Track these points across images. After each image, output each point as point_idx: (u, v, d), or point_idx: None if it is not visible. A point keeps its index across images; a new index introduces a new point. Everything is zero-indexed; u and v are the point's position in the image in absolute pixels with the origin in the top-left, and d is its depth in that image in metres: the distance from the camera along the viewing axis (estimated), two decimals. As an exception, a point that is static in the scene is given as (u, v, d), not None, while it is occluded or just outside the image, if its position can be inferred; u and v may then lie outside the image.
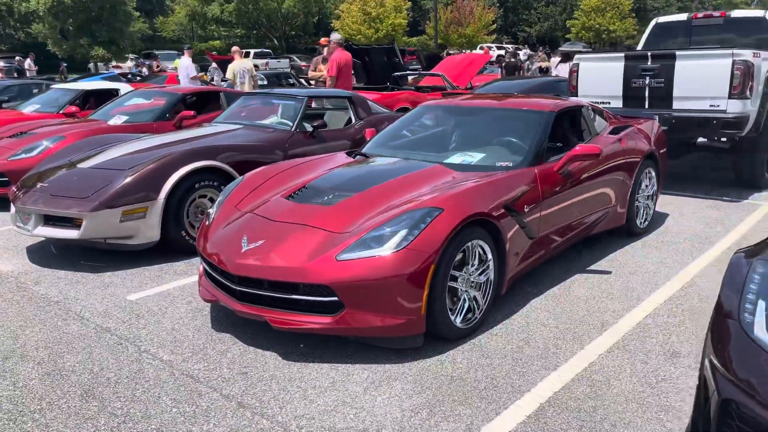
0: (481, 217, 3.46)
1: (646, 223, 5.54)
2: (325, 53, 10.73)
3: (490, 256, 3.59)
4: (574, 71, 7.36)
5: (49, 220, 4.85)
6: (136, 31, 38.79)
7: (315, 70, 10.97)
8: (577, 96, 7.28)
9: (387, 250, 3.16)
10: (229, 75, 11.59)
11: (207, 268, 3.74)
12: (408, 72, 13.60)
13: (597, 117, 5.27)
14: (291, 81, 17.86)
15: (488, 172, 4.01)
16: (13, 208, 5.11)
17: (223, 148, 5.45)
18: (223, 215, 3.89)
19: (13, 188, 5.38)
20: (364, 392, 2.98)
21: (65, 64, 32.47)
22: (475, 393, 2.96)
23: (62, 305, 4.11)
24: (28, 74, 23.24)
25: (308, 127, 6.29)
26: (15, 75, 22.11)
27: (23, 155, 6.88)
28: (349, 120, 6.88)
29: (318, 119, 6.26)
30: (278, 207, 3.74)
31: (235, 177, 5.33)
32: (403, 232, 3.21)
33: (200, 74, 12.86)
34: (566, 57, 18.88)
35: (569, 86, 7.51)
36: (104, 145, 5.91)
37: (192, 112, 7.65)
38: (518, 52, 27.33)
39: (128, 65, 24.58)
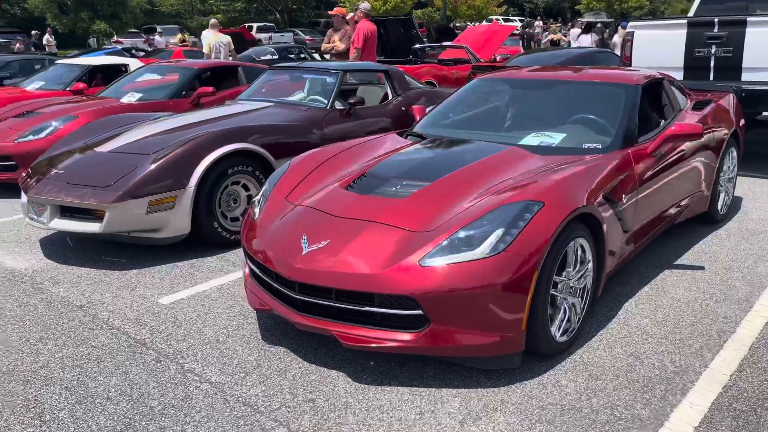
0: (584, 211, 2.93)
1: (726, 208, 5.00)
2: (336, 24, 10.06)
3: (589, 255, 3.06)
4: (628, 40, 6.75)
5: (66, 211, 4.32)
6: (135, 5, 37.76)
7: (329, 42, 10.31)
8: (631, 67, 6.67)
9: (481, 253, 2.63)
10: (205, 49, 11.53)
11: (256, 270, 3.22)
12: (428, 44, 12.91)
13: (676, 91, 4.70)
14: (302, 55, 17.16)
15: (576, 156, 3.47)
16: (24, 197, 4.58)
17: (255, 128, 4.89)
18: (273, 208, 3.35)
19: (23, 174, 4.85)
20: (461, 426, 2.48)
21: (92, 38, 31.27)
22: (596, 429, 2.45)
23: (87, 311, 3.61)
24: (47, 50, 22.32)
25: (344, 105, 5.72)
26: (32, 50, 21.30)
27: (31, 137, 6.33)
28: (386, 96, 6.29)
29: (354, 95, 5.67)
30: (339, 199, 3.20)
31: (270, 161, 4.79)
32: (498, 232, 2.68)
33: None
34: (588, 27, 18.17)
35: (621, 57, 6.90)
36: (121, 125, 5.35)
37: (211, 89, 7.07)
38: (534, 23, 26.51)
39: (157, 38, 23.32)
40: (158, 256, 4.45)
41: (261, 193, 3.61)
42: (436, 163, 3.48)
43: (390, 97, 6.24)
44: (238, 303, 3.67)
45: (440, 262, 2.64)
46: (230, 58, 11.48)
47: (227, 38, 11.68)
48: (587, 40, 17.43)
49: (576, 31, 18.62)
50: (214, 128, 4.76)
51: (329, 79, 5.81)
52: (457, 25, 29.88)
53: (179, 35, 24.09)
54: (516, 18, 45.11)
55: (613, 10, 42.26)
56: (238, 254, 4.51)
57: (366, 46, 9.07)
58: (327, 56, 11.27)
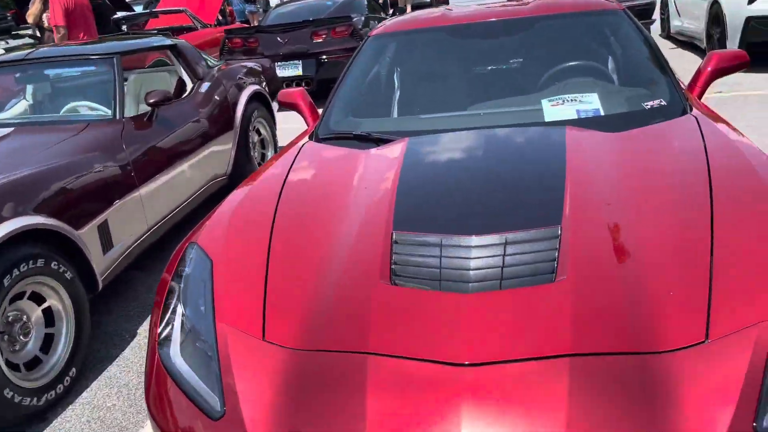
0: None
1: None
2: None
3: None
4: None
5: None
6: None
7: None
8: None
9: None
10: None
11: None
12: (137, 13, 10.23)
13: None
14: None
15: (654, 123, 2.26)
16: None
17: (24, 183, 2.58)
18: (254, 372, 1.44)
19: None
20: None
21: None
22: None
23: None
24: None
25: (137, 108, 3.58)
26: None
27: None
28: (182, 84, 4.22)
29: (154, 91, 3.54)
30: (414, 316, 1.46)
31: (70, 237, 2.59)
32: None
33: None
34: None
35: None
36: None
37: None
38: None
39: None
40: None
41: (180, 333, 1.62)
42: (491, 185, 1.90)
43: (189, 84, 4.20)
44: None
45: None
46: None
47: None
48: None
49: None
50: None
51: (102, 70, 3.55)
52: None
53: None
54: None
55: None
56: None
57: (73, 21, 6.52)
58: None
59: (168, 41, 4.19)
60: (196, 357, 1.56)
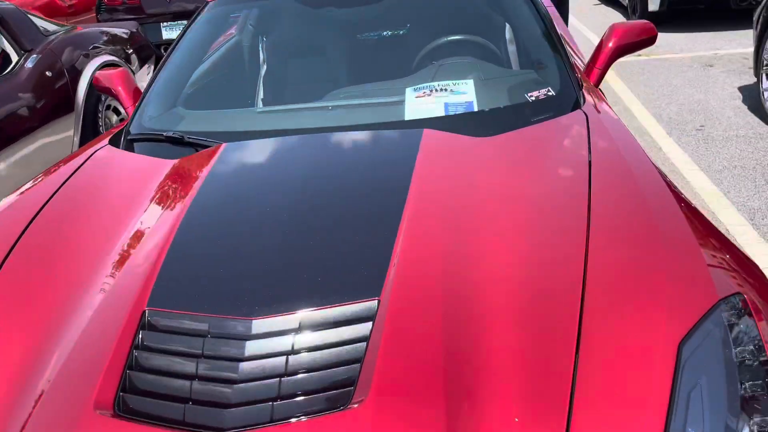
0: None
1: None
2: None
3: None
4: None
5: None
6: None
7: None
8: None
9: None
10: None
11: None
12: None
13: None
14: None
15: (538, 121, 1.78)
16: None
17: None
18: None
19: None
20: None
21: None
22: None
23: None
24: None
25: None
26: None
27: None
28: (5, 56, 3.46)
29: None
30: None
31: None
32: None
33: None
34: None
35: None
36: None
37: None
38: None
39: None
40: None
41: None
42: (302, 233, 1.34)
43: (16, 57, 3.45)
44: None
45: None
46: None
47: None
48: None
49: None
50: None
51: None
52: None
53: None
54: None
55: None
56: None
57: None
58: None
59: (-17, 5, 3.41)
60: None
